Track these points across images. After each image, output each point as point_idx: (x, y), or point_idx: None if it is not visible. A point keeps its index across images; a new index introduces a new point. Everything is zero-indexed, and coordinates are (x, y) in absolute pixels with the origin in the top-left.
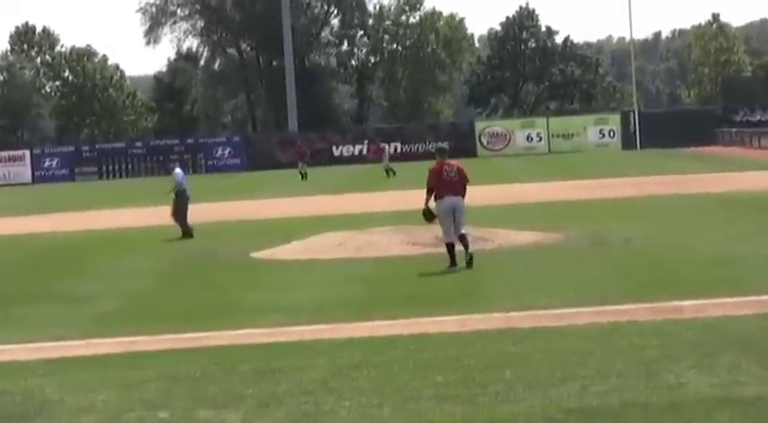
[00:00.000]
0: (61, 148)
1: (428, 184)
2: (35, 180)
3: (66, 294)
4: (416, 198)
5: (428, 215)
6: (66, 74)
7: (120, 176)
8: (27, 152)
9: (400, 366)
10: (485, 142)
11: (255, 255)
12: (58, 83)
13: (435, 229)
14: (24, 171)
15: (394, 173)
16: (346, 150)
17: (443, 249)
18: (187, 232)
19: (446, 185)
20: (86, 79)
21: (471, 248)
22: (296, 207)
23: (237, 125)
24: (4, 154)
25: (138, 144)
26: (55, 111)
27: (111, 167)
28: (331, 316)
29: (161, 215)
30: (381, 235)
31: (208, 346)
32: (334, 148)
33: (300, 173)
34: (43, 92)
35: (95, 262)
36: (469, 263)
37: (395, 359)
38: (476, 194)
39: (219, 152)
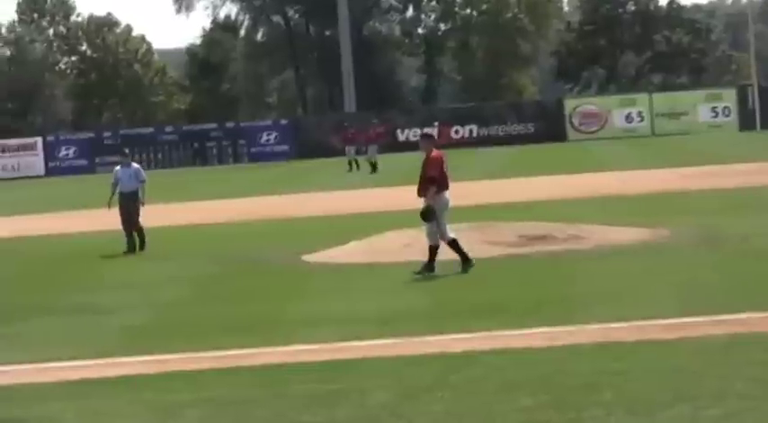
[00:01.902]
0: (79, 135)
1: (431, 174)
2: (49, 172)
3: (85, 306)
4: (496, 190)
5: (431, 213)
6: (84, 48)
7: (149, 167)
8: (39, 140)
9: (480, 387)
10: (576, 123)
11: (308, 258)
12: (74, 58)
13: (519, 228)
14: (36, 162)
15: (375, 167)
16: (413, 134)
17: (529, 250)
18: (132, 245)
19: (445, 178)
20: (107, 54)
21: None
22: (355, 201)
23: (284, 106)
24: (13, 142)
25: (169, 129)
26: (71, 91)
27: (137, 157)
28: (397, 329)
29: (197, 212)
30: (456, 233)
31: (254, 365)
32: (398, 131)
33: (350, 162)
34: (57, 69)
35: (119, 268)
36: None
37: (473, 379)
38: (566, 185)
39: (264, 138)
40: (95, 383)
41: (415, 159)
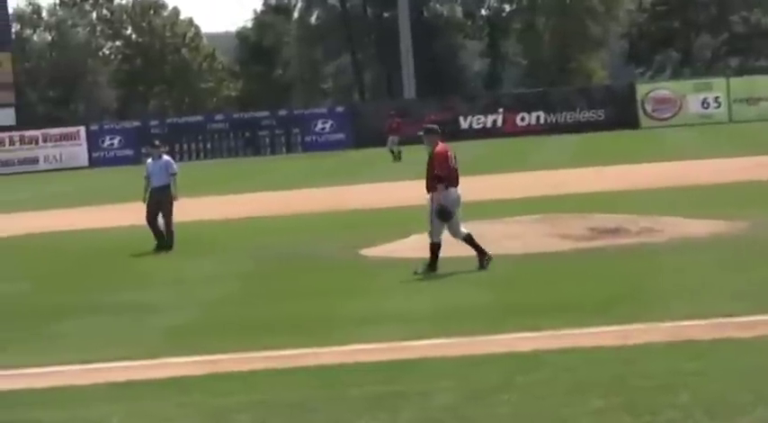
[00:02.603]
0: (124, 124)
1: (437, 170)
2: (92, 163)
3: (130, 304)
4: (564, 180)
5: (446, 213)
6: (129, 32)
7: (197, 157)
8: (82, 129)
9: (549, 389)
10: (649, 110)
11: (366, 252)
12: (118, 43)
13: (589, 220)
14: (79, 152)
15: (399, 156)
16: (476, 121)
17: (599, 243)
18: (161, 241)
19: (452, 173)
20: (153, 38)
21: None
22: (416, 192)
23: (341, 93)
24: (56, 131)
25: (219, 117)
26: (115, 78)
27: (185, 147)
28: (461, 327)
29: (247, 205)
30: (522, 226)
31: (309, 366)
32: (461, 119)
33: (392, 152)
34: (100, 55)
35: (164, 264)
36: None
37: (542, 380)
38: (639, 174)
39: (319, 126)
40: (142, 385)
41: (478, 148)
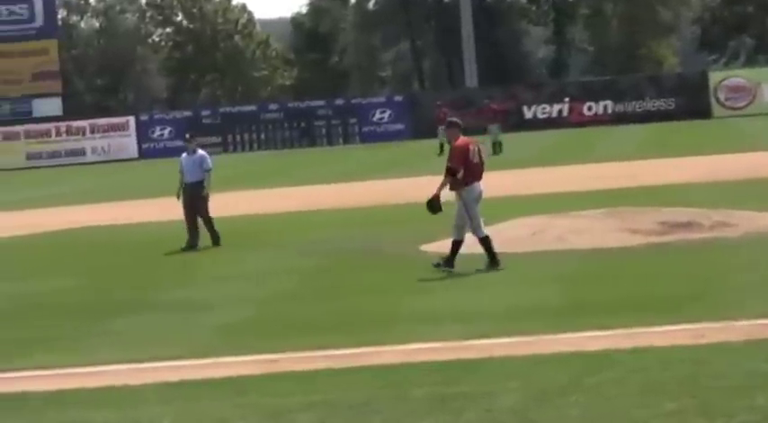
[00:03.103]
0: (174, 114)
1: (452, 164)
2: (142, 154)
3: (182, 301)
4: (633, 172)
5: (435, 206)
6: (179, 18)
7: (251, 148)
8: (131, 119)
9: (619, 390)
10: (722, 98)
11: (427, 247)
12: (168, 30)
13: (659, 214)
14: (129, 143)
15: (501, 148)
16: (541, 111)
17: (671, 238)
18: (193, 239)
19: (473, 168)
20: (205, 25)
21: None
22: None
23: (399, 81)
24: (104, 122)
25: (274, 107)
26: (165, 66)
27: (238, 137)
28: (527, 325)
29: (302, 198)
30: (590, 220)
31: (370, 366)
32: (524, 108)
33: (441, 144)
34: (150, 42)
35: (216, 259)
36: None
37: (611, 381)
38: (712, 166)
39: (377, 116)
40: (196, 385)
41: (542, 139)
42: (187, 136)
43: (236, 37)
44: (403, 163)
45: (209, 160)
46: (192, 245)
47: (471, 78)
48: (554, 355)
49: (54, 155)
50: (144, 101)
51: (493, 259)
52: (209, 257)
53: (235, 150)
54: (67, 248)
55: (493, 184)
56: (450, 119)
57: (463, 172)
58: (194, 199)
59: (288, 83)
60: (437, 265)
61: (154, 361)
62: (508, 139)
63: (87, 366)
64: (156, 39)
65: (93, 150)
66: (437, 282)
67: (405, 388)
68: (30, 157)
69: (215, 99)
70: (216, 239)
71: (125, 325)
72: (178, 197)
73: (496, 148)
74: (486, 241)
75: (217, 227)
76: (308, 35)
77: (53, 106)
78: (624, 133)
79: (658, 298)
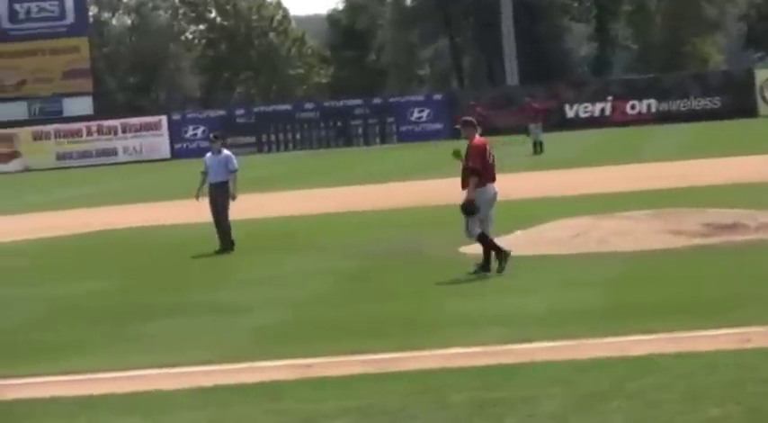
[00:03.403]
0: (208, 113)
1: (474, 164)
2: (175, 154)
3: (215, 304)
4: (677, 172)
5: (471, 208)
6: (213, 15)
7: (286, 149)
8: (164, 118)
9: (663, 396)
10: None
11: (466, 249)
12: (201, 27)
13: (704, 215)
14: (161, 143)
15: (542, 148)
16: (583, 110)
17: (716, 240)
18: (226, 243)
19: (488, 168)
20: (239, 22)
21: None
22: (519, 186)
23: (438, 79)
24: (136, 121)
25: (309, 106)
26: (198, 64)
27: (273, 137)
28: (568, 330)
29: (338, 198)
30: (634, 221)
31: (408, 371)
32: (566, 107)
33: None
34: (183, 39)
35: (250, 261)
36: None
37: (655, 386)
38: (758, 166)
39: (416, 115)
40: (230, 390)
41: (585, 138)
42: (212, 136)
43: (271, 34)
44: (442, 163)
45: (235, 161)
46: (225, 247)
47: (512, 76)
48: (596, 359)
49: (85, 155)
50: (177, 100)
51: (485, 266)
52: (243, 260)
53: (269, 150)
54: (99, 251)
55: (535, 184)
56: (465, 118)
57: (469, 171)
58: (218, 199)
59: (324, 81)
60: (475, 272)
61: (186, 365)
62: (550, 139)
63: (118, 371)
64: (190, 36)
65: (125, 150)
66: (476, 284)
67: (443, 393)
68: (60, 157)
69: (249, 98)
70: (229, 244)
71: (157, 328)
72: (197, 198)
73: (537, 147)
74: (485, 239)
75: (234, 236)
76: (344, 32)
77: (84, 105)
78: (668, 133)
79: (703, 301)
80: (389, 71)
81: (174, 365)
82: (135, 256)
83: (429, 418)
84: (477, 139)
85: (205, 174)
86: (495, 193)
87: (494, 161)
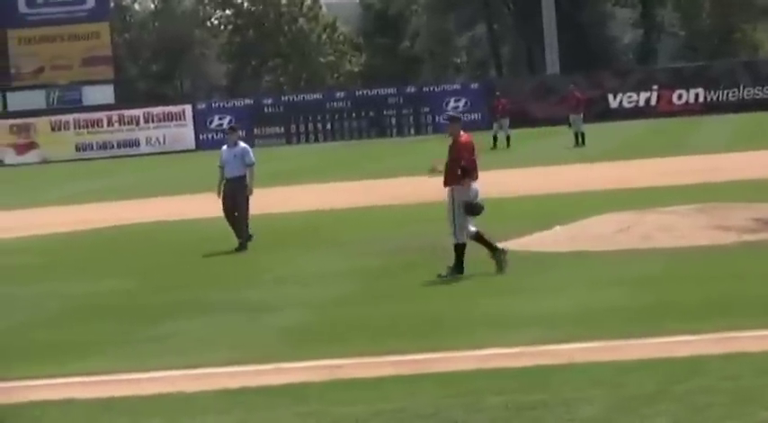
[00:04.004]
0: (234, 102)
1: (465, 161)
2: (200, 145)
3: (240, 303)
4: (726, 165)
5: (477, 207)
6: (240, 0)
7: (316, 140)
8: (188, 108)
9: (709, 398)
10: None
11: (503, 245)
12: (228, 12)
13: (753, 210)
14: (185, 133)
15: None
16: (627, 99)
17: (764, 236)
18: (242, 241)
19: (474, 165)
20: (267, 7)
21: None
22: (560, 179)
23: (475, 67)
24: (159, 110)
25: (341, 95)
26: (225, 51)
27: (302, 127)
28: (610, 329)
29: (369, 192)
30: (680, 217)
31: (441, 372)
32: (610, 96)
33: (507, 136)
34: (209, 25)
35: (275, 259)
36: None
37: (702, 388)
38: None
39: (452, 104)
40: (256, 393)
41: (629, 129)
42: (227, 127)
43: (301, 20)
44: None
45: (251, 154)
46: (243, 244)
47: (553, 65)
48: (639, 361)
49: (105, 146)
50: (202, 88)
51: (458, 267)
52: (267, 257)
53: (299, 141)
54: (118, 246)
55: (575, 177)
56: (450, 113)
57: (461, 170)
58: (235, 195)
59: (356, 69)
60: (439, 276)
61: (210, 366)
62: (592, 130)
63: (139, 372)
64: (215, 22)
65: (148, 141)
66: (512, 283)
67: (478, 396)
68: (79, 148)
69: (278, 86)
70: (245, 242)
71: (179, 328)
72: (219, 194)
73: (578, 139)
74: (461, 248)
75: (252, 229)
76: (377, 18)
77: (105, 94)
78: (716, 123)
79: (751, 300)
80: (424, 59)
81: (197, 366)
82: (155, 252)
83: (464, 422)
84: (465, 135)
85: (222, 168)
86: (477, 192)
87: (474, 158)
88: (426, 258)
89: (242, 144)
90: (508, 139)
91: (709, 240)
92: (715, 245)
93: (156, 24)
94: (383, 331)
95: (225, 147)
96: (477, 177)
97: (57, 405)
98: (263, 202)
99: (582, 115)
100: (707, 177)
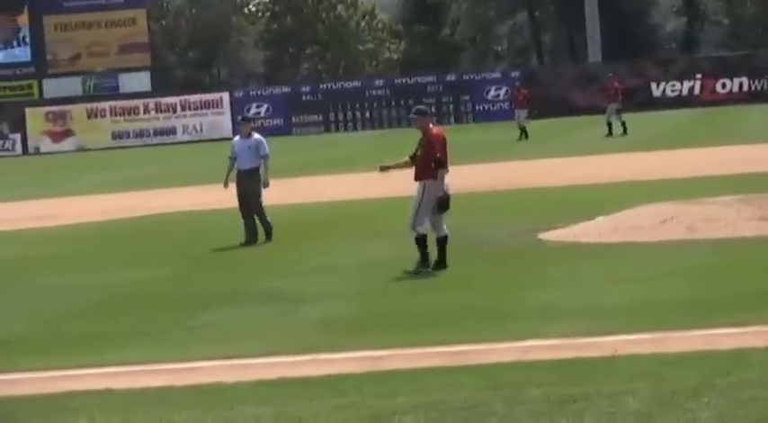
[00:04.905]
0: (272, 90)
1: (440, 154)
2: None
3: (278, 292)
4: (766, 154)
5: (447, 203)
6: None
7: (355, 128)
8: (225, 95)
9: (754, 392)
10: None
11: (545, 236)
12: None
13: None
14: (222, 121)
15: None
16: (670, 88)
17: None
18: (250, 236)
19: (445, 159)
20: None
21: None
22: (602, 168)
23: (516, 55)
24: (196, 98)
25: (379, 83)
26: (263, 38)
27: (341, 116)
28: (653, 322)
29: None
30: (723, 207)
31: (481, 364)
32: (653, 85)
33: (521, 128)
34: (246, 11)
35: (314, 248)
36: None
37: (746, 382)
38: None
39: (492, 93)
40: (295, 384)
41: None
42: (240, 118)
43: (340, 7)
44: (519, 145)
45: (266, 145)
46: (249, 240)
47: (595, 53)
48: (683, 353)
49: (142, 134)
50: (239, 76)
51: (422, 263)
52: (303, 246)
53: (337, 130)
54: (156, 235)
55: (618, 168)
56: (419, 107)
57: (435, 163)
58: (248, 189)
59: (395, 57)
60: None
61: (248, 357)
62: (635, 119)
63: (176, 362)
64: (253, 8)
65: (184, 129)
66: (555, 274)
67: (520, 388)
68: (116, 135)
69: (316, 74)
70: (268, 235)
71: (216, 318)
72: (225, 185)
73: (611, 129)
74: (422, 241)
75: (270, 218)
76: (416, 5)
77: (141, 81)
78: (761, 112)
79: None
80: (464, 47)
81: (234, 357)
82: (192, 242)
83: (504, 415)
84: (436, 129)
85: (233, 159)
86: (447, 186)
87: (445, 152)
88: (466, 249)
89: (256, 135)
90: (524, 130)
91: (754, 231)
92: (759, 236)
93: (193, 11)
94: (423, 322)
95: (237, 138)
96: (447, 171)
97: (94, 395)
98: (298, 192)
99: (619, 105)
100: (751, 167)
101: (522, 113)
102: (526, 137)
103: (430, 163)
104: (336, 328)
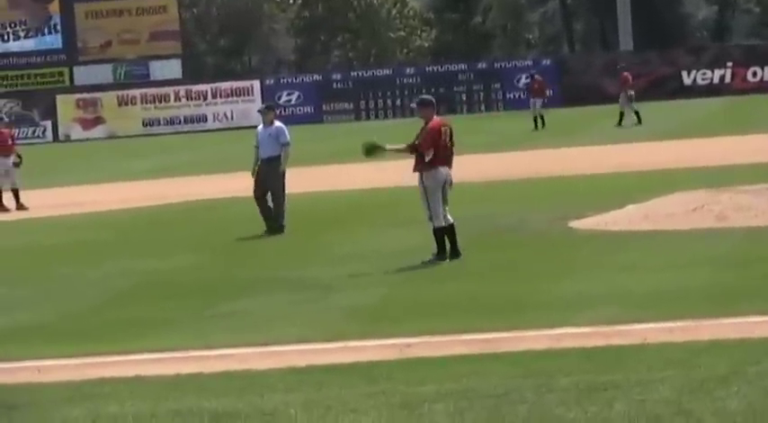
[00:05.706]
0: (303, 78)
1: (421, 145)
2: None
3: (309, 280)
4: None
5: (372, 150)
6: None
7: (386, 116)
8: (257, 83)
9: None
10: None
11: (576, 224)
12: None
13: None
14: (253, 109)
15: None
16: (701, 77)
17: None
18: (270, 224)
19: (442, 151)
20: None
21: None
22: (632, 157)
23: (548, 43)
24: (227, 86)
25: (410, 71)
26: (294, 26)
27: (371, 104)
28: (684, 310)
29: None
30: (755, 196)
31: (511, 352)
32: (684, 73)
33: (535, 119)
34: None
35: (343, 235)
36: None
37: None
38: None
39: (523, 81)
40: (325, 371)
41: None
42: (263, 106)
43: None
44: (551, 133)
45: (287, 133)
46: (269, 226)
47: (626, 41)
48: (714, 341)
49: (172, 121)
50: (270, 63)
51: (438, 253)
52: (332, 234)
53: (368, 118)
54: (187, 222)
55: (647, 156)
56: (423, 96)
57: (410, 149)
58: (268, 176)
59: (426, 45)
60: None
61: (278, 344)
62: (665, 108)
63: (206, 349)
64: None
65: (215, 117)
66: (586, 262)
67: (549, 376)
68: (146, 123)
69: (347, 62)
70: (281, 226)
71: (246, 305)
72: (253, 174)
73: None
74: (440, 233)
75: (286, 217)
76: None
77: (172, 69)
78: None
79: None
80: (495, 34)
81: (265, 344)
82: (223, 229)
83: (534, 403)
84: (435, 120)
85: (258, 148)
86: (445, 177)
87: (452, 146)
88: (496, 237)
89: (278, 123)
90: (542, 117)
91: None
92: None
93: None
94: (453, 310)
95: (260, 126)
96: (446, 163)
97: (126, 382)
98: (324, 180)
99: (627, 95)
100: None
101: (537, 102)
102: (543, 125)
103: (412, 147)
104: (365, 316)
